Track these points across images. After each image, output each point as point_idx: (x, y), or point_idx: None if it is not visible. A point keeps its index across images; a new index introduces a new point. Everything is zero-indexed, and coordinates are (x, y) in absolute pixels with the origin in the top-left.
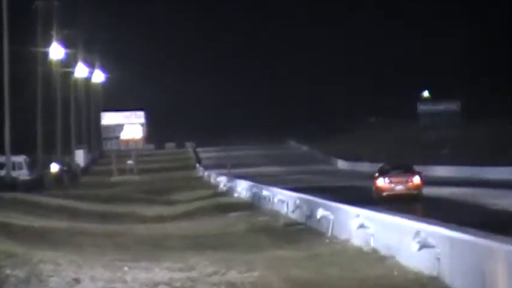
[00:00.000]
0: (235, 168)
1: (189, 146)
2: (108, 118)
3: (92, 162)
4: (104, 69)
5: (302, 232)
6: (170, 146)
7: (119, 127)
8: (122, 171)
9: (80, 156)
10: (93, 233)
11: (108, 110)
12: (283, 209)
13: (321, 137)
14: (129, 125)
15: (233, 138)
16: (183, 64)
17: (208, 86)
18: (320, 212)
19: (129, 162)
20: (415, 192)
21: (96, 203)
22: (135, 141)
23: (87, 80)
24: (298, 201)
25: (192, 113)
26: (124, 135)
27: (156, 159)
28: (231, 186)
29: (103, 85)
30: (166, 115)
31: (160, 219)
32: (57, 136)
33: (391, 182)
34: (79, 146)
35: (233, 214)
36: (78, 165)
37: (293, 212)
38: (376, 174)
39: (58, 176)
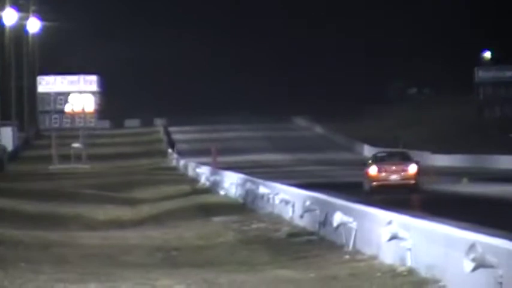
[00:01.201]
0: (223, 156)
1: (158, 124)
2: (47, 84)
3: (23, 145)
4: (42, 15)
5: (313, 245)
6: (132, 123)
7: (62, 96)
8: (64, 158)
9: (6, 136)
10: (23, 242)
11: (47, 72)
12: (288, 213)
13: (340, 114)
14: (77, 94)
15: (219, 114)
16: (152, 12)
17: (187, 41)
18: (338, 218)
19: (75, 145)
20: (411, 182)
21: (28, 201)
22: (84, 117)
23: (17, 29)
24: (308, 203)
25: (164, 79)
26: (69, 108)
27: (113, 141)
28: (215, 181)
29: (40, 38)
30: (127, 81)
31: (117, 224)
32: None
33: (384, 171)
34: (5, 122)
35: (218, 219)
36: (3, 148)
37: (301, 216)
38: (370, 161)
39: None
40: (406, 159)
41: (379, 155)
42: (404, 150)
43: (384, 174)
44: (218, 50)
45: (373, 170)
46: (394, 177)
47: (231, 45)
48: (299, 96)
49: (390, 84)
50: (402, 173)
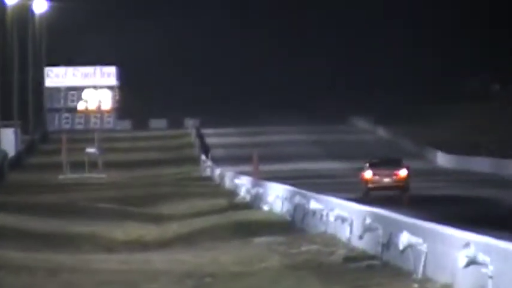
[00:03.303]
0: (266, 164)
1: (190, 125)
2: (56, 77)
3: (27, 150)
4: None
5: (374, 271)
6: (159, 124)
7: (74, 92)
8: (77, 166)
9: (7, 140)
10: (27, 267)
11: (56, 63)
12: (344, 233)
13: (407, 114)
14: (91, 89)
15: (263, 113)
16: None
17: (223, 31)
18: (405, 239)
19: (90, 150)
20: (401, 184)
21: (33, 217)
22: (100, 116)
23: (20, 10)
24: (369, 220)
25: (196, 72)
26: (82, 106)
27: (135, 146)
28: (257, 194)
29: (47, 21)
30: (152, 74)
31: (140, 246)
32: None
33: (378, 175)
34: (6, 122)
35: (260, 240)
36: (4, 153)
37: (360, 237)
38: (367, 165)
39: None
40: (398, 165)
41: (374, 161)
42: (398, 156)
43: (378, 177)
44: (263, 38)
45: (368, 174)
46: (387, 180)
47: (279, 33)
48: (358, 93)
49: (467, 80)
50: (394, 177)
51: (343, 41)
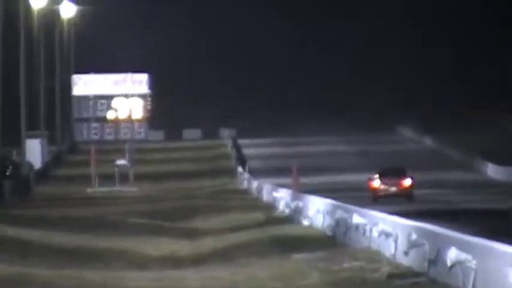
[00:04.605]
0: (307, 176)
1: (225, 135)
2: (85, 84)
3: (54, 161)
4: None
5: None
6: (193, 134)
7: (104, 100)
8: (106, 178)
9: (33, 151)
10: (54, 284)
11: (85, 70)
12: (389, 249)
13: (454, 123)
14: (122, 98)
15: (303, 122)
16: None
17: (259, 37)
18: (453, 255)
19: (120, 162)
20: (406, 192)
21: (61, 231)
22: (131, 126)
23: (47, 15)
24: (414, 235)
25: (232, 79)
26: (112, 115)
27: (168, 157)
28: (297, 207)
29: (75, 26)
30: (185, 81)
31: (173, 262)
32: None
33: (385, 184)
34: (32, 132)
35: (300, 256)
36: (30, 165)
37: (406, 253)
38: (376, 176)
39: None
40: (403, 174)
41: (381, 171)
42: (401, 166)
43: (385, 186)
44: (304, 41)
45: (376, 183)
46: (393, 188)
47: (320, 35)
48: (404, 100)
49: None
50: (400, 186)
51: (391, 46)
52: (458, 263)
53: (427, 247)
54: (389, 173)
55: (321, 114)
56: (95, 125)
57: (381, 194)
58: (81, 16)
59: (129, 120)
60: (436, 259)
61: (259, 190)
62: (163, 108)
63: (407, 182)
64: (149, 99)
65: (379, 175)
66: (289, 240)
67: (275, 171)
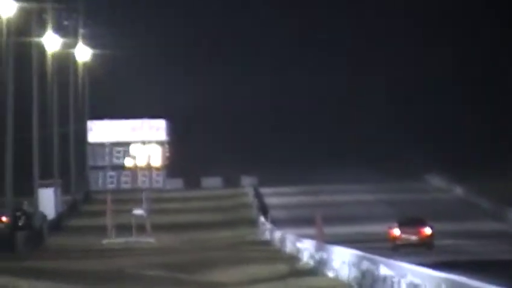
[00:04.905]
0: (331, 226)
1: (246, 184)
2: (100, 131)
3: (69, 211)
4: (93, 42)
5: None
6: (212, 183)
7: (121, 148)
8: (123, 229)
9: (47, 200)
10: None
11: (101, 116)
12: None
13: (486, 170)
14: (139, 145)
15: (326, 170)
16: (237, 36)
17: (284, 79)
18: None
19: (138, 211)
20: (427, 241)
21: (75, 285)
22: (149, 174)
23: (61, 58)
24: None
25: (253, 127)
26: (129, 163)
27: (187, 206)
28: (321, 259)
29: (90, 70)
30: (205, 128)
31: None
32: (5, 164)
33: (405, 232)
34: (46, 182)
35: None
36: (43, 215)
37: None
38: (395, 224)
39: (5, 236)
40: (423, 223)
41: (401, 220)
42: (420, 216)
43: (405, 235)
44: (326, 84)
45: (396, 232)
46: (413, 237)
47: (340, 76)
48: (433, 146)
49: None
50: (420, 234)
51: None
52: None
53: None
54: (409, 222)
55: (350, 162)
56: (111, 173)
57: (401, 243)
58: (96, 60)
59: (147, 168)
60: None
61: (282, 241)
62: (182, 156)
63: (427, 230)
64: (167, 146)
65: (399, 224)
66: None
67: (298, 221)
